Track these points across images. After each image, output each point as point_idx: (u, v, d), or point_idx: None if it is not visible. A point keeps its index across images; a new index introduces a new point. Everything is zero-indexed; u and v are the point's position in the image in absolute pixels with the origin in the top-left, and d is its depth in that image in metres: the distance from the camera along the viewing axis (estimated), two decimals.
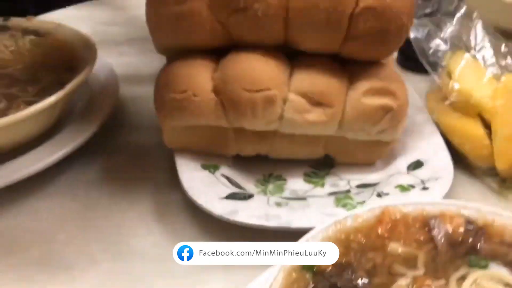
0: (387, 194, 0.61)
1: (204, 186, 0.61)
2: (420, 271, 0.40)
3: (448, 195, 0.62)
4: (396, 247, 0.42)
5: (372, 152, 0.69)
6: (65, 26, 0.80)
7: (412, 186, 0.62)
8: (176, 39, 0.62)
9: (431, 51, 0.74)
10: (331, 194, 0.65)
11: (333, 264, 0.40)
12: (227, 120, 0.63)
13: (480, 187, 0.69)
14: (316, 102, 0.62)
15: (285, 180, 0.68)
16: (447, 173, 0.63)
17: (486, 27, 0.74)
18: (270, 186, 0.66)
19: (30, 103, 0.64)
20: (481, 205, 0.47)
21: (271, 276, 0.40)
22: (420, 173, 0.65)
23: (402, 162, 0.68)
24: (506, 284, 0.39)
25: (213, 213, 0.57)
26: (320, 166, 0.70)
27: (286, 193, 0.65)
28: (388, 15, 0.58)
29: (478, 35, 0.74)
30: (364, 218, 0.44)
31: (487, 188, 0.68)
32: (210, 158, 0.66)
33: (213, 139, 0.66)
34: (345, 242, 0.43)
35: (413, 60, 0.89)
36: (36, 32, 0.80)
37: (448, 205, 0.47)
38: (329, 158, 0.70)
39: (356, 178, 0.68)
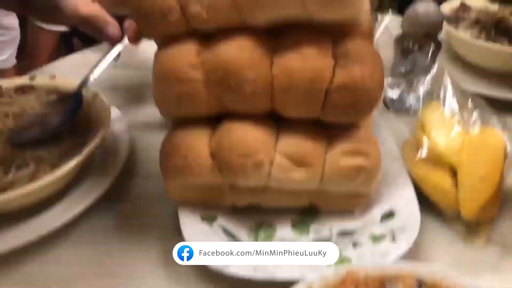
0: (360, 244, 0.71)
1: (203, 236, 0.71)
2: None
3: (417, 242, 0.71)
4: None
5: (351, 201, 0.78)
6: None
7: (383, 237, 0.71)
8: (179, 112, 0.72)
9: (404, 108, 0.83)
10: (314, 240, 0.75)
11: None
12: (222, 179, 0.73)
13: (448, 232, 0.78)
14: (299, 162, 0.72)
15: (275, 228, 0.78)
16: (415, 225, 0.71)
17: (454, 85, 0.83)
18: (261, 235, 0.76)
19: (54, 165, 0.74)
20: (433, 266, 0.56)
21: None
22: (391, 223, 0.74)
23: (377, 211, 0.77)
24: None
25: (209, 266, 0.67)
26: (306, 214, 0.80)
27: (275, 241, 0.75)
28: (360, 90, 0.67)
29: (448, 91, 0.83)
30: (331, 281, 0.54)
31: (455, 233, 0.77)
32: (209, 209, 0.77)
33: (210, 193, 0.76)
34: None
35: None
36: (58, 92, 0.91)
37: (403, 266, 0.56)
38: (314, 206, 0.80)
39: (337, 225, 0.77)
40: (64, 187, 0.79)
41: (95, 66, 0.84)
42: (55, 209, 0.76)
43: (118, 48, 0.83)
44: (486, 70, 1.10)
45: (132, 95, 1.14)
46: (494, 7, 1.11)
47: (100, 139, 0.78)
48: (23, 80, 0.94)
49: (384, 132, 0.88)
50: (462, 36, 1.06)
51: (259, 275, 0.65)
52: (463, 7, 1.19)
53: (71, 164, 0.73)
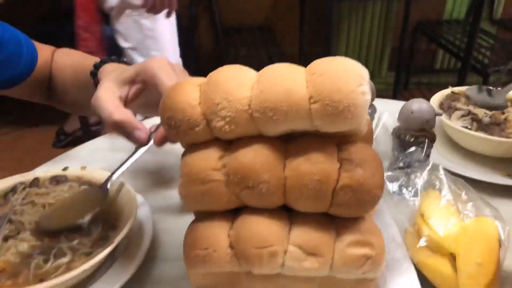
0: None
1: None
2: None
3: None
4: None
5: (359, 286, 0.84)
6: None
7: None
8: (202, 207, 0.80)
9: (404, 199, 0.92)
10: None
11: None
12: (240, 267, 0.80)
13: None
14: (310, 252, 0.79)
15: None
16: None
17: (449, 177, 0.92)
18: None
19: (87, 254, 0.82)
20: None
21: None
22: None
23: None
24: None
25: None
26: None
27: None
28: (362, 190, 0.76)
29: (443, 184, 0.91)
30: None
31: None
32: None
33: (228, 279, 0.83)
34: None
35: None
36: (89, 182, 1.00)
37: None
38: None
39: None
40: (92, 274, 0.86)
41: (121, 166, 0.94)
42: None
43: (144, 149, 0.93)
44: (478, 154, 1.20)
45: (154, 179, 1.23)
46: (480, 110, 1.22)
47: (128, 230, 0.86)
48: (57, 170, 1.04)
49: (388, 219, 0.95)
50: (455, 126, 1.17)
51: None
52: (453, 95, 1.31)
53: (104, 253, 0.80)
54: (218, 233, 0.80)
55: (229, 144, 0.78)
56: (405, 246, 0.92)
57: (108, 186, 0.96)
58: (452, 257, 0.86)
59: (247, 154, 0.75)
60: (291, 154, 0.76)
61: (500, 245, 0.85)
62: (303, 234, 0.80)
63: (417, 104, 0.97)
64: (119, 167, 0.94)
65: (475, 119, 1.15)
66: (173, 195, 1.17)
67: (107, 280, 0.86)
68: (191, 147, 0.78)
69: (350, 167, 0.75)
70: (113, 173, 0.94)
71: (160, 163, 1.31)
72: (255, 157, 0.75)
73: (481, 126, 1.15)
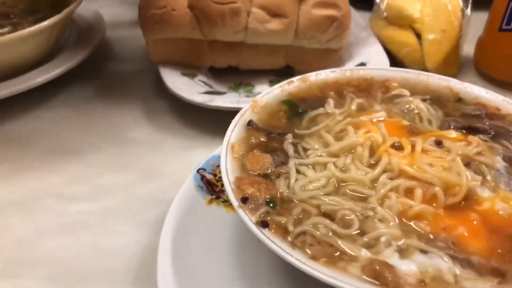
0: None
1: (185, 85, 0.73)
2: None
3: None
4: None
5: (324, 59, 0.82)
6: None
7: None
8: None
9: None
10: None
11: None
12: (201, 32, 0.75)
13: None
14: (274, 13, 0.75)
15: (253, 86, 0.81)
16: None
17: None
18: (241, 89, 0.79)
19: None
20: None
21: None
22: None
23: (349, 65, 0.82)
24: None
25: (195, 102, 0.69)
26: (282, 75, 0.83)
27: (254, 93, 0.78)
28: None
29: None
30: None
31: None
32: (188, 69, 0.79)
33: (190, 52, 0.78)
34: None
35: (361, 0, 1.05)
36: None
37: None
38: (290, 67, 0.83)
39: None
40: (42, 60, 0.80)
41: None
42: (31, 73, 0.76)
43: None
44: None
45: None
46: None
47: (77, 4, 0.78)
48: None
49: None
50: None
51: (243, 105, 0.68)
52: None
53: (50, 20, 0.73)
54: None
55: None
56: (369, 29, 0.90)
57: None
58: (413, 30, 0.85)
59: None
60: None
61: (463, 16, 0.84)
62: None
63: None
64: None
65: None
66: (126, 11, 1.10)
67: (58, 62, 0.79)
68: None
69: None
70: None
71: None
72: None
73: None
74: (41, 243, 0.54)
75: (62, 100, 0.79)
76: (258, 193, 0.41)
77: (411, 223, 0.39)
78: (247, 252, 0.48)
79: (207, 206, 0.53)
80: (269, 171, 0.44)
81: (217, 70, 0.82)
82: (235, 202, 0.40)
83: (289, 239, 0.37)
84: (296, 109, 0.53)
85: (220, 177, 0.58)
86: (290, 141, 0.48)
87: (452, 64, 0.86)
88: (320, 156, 0.46)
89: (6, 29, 0.74)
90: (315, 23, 0.76)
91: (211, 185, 0.55)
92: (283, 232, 0.38)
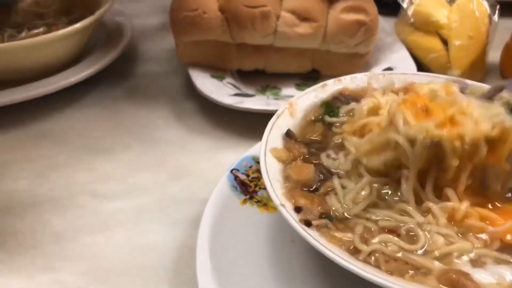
0: None
1: (215, 87, 0.74)
2: None
3: None
4: None
5: (351, 64, 0.82)
6: None
7: None
8: None
9: None
10: None
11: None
12: (231, 35, 0.76)
13: None
14: (303, 17, 0.76)
15: (280, 89, 0.82)
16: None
17: None
18: (268, 92, 0.80)
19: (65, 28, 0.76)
20: None
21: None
22: None
23: (376, 70, 0.82)
24: None
25: (225, 103, 0.70)
26: (309, 79, 0.84)
27: (282, 95, 0.79)
28: None
29: None
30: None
31: None
32: (217, 71, 0.80)
33: (219, 54, 0.79)
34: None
35: (386, 5, 1.05)
36: None
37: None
38: (316, 71, 0.84)
39: None
40: (75, 57, 0.82)
41: None
42: (63, 74, 0.77)
43: None
44: None
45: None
46: None
47: (109, 6, 0.80)
48: None
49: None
50: None
51: (272, 108, 0.68)
52: None
53: (83, 22, 0.75)
54: None
55: None
56: (395, 34, 0.90)
57: None
58: (442, 40, 0.85)
59: None
60: None
61: (490, 22, 0.84)
62: (295, 0, 0.77)
63: None
64: None
65: None
66: (154, 13, 1.11)
67: (88, 63, 0.81)
68: None
69: None
70: None
71: None
72: None
73: None
74: (78, 239, 0.55)
75: (93, 100, 0.80)
76: (311, 205, 0.41)
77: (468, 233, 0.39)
78: (282, 251, 0.49)
79: (241, 206, 0.54)
80: (315, 185, 0.45)
81: (244, 72, 0.83)
82: (276, 200, 0.41)
83: (360, 258, 0.37)
84: (332, 110, 0.54)
85: (253, 178, 0.59)
86: (326, 154, 0.48)
87: (478, 70, 0.86)
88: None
89: (41, 29, 0.76)
90: (344, 27, 0.77)
91: (244, 186, 0.56)
92: (349, 251, 0.38)
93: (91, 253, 0.53)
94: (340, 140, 0.50)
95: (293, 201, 0.42)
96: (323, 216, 0.40)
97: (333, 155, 0.48)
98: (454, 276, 0.34)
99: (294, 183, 0.44)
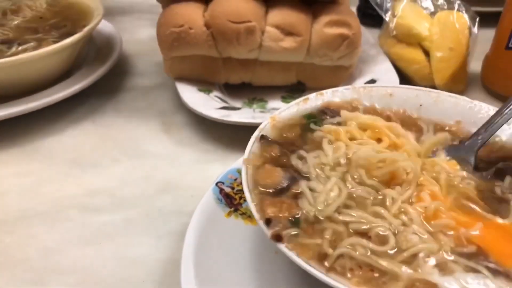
0: None
1: (202, 101, 0.76)
2: None
3: None
4: None
5: (335, 76, 0.84)
6: None
7: None
8: None
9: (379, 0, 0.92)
10: None
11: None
12: (217, 50, 0.78)
13: None
14: (287, 32, 0.78)
15: (266, 101, 0.84)
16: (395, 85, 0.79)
17: None
18: (255, 105, 0.82)
19: (55, 42, 0.77)
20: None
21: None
22: None
23: (360, 82, 0.84)
24: None
25: (212, 117, 0.72)
26: (294, 91, 0.86)
27: (268, 108, 0.81)
28: None
29: None
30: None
31: None
32: (204, 85, 0.82)
33: (206, 68, 0.81)
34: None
35: (370, 16, 1.08)
36: None
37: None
38: (301, 83, 0.86)
39: None
40: (65, 71, 0.83)
41: None
42: (53, 88, 0.79)
43: None
44: None
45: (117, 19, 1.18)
46: None
47: (98, 21, 0.82)
48: None
49: None
50: None
51: (258, 120, 0.70)
52: None
53: (74, 37, 0.76)
54: (193, 11, 0.77)
55: None
56: (378, 46, 0.93)
57: None
58: (421, 48, 0.87)
59: None
60: None
61: (470, 34, 0.87)
62: (280, 15, 0.78)
63: None
64: None
65: None
66: (139, 28, 1.13)
67: (80, 76, 0.83)
68: None
69: None
70: None
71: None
72: None
73: None
74: (66, 253, 0.56)
75: (82, 114, 0.82)
76: (279, 213, 0.42)
77: (440, 233, 0.40)
78: (265, 262, 0.51)
79: (226, 218, 0.55)
80: (281, 186, 0.45)
81: (230, 85, 0.85)
82: (256, 215, 0.42)
83: (327, 264, 0.38)
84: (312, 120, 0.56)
85: (238, 190, 0.60)
86: (296, 156, 0.50)
87: (460, 81, 0.88)
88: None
89: (31, 44, 0.77)
90: (327, 41, 0.79)
91: (229, 198, 0.57)
92: (318, 257, 0.39)
93: (80, 266, 0.54)
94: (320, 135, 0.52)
95: (262, 212, 0.42)
96: (292, 221, 0.41)
97: (305, 154, 0.50)
98: (421, 286, 0.35)
99: (262, 188, 0.45)
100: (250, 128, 0.54)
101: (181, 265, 0.47)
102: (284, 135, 0.53)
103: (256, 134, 0.52)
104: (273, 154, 0.49)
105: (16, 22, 0.83)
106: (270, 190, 0.45)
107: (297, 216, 0.42)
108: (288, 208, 0.43)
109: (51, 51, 0.74)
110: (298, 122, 0.55)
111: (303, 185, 0.45)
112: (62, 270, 0.54)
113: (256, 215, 0.42)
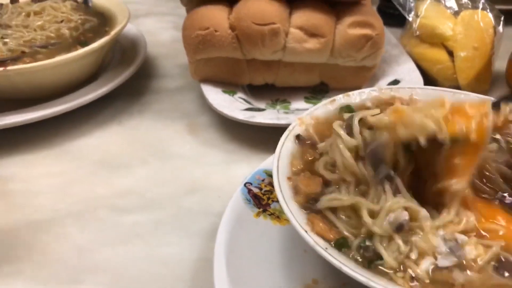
0: None
1: (227, 103, 0.77)
2: None
3: None
4: None
5: (358, 77, 0.84)
6: None
7: None
8: None
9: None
10: None
11: None
12: (242, 51, 0.79)
13: None
14: (311, 33, 0.78)
15: (289, 102, 0.84)
16: (419, 85, 0.79)
17: None
18: (278, 106, 0.83)
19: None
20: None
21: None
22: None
23: (383, 83, 0.84)
24: None
25: (237, 118, 0.73)
26: (317, 92, 0.86)
27: (291, 109, 0.82)
28: None
29: None
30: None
31: None
32: (228, 87, 0.83)
33: (230, 70, 0.82)
34: None
35: (390, 16, 1.08)
36: None
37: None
38: (324, 84, 0.86)
39: None
40: (92, 74, 0.86)
41: None
42: (81, 91, 0.81)
43: None
44: None
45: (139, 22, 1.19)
46: None
47: (123, 26, 0.83)
48: None
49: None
50: None
51: (283, 122, 0.71)
52: None
53: (102, 41, 0.78)
54: (218, 13, 0.78)
55: None
56: (401, 46, 0.92)
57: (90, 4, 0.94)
58: (445, 48, 0.87)
59: None
60: None
61: (495, 33, 0.86)
62: (304, 17, 0.79)
63: None
64: None
65: None
66: (163, 29, 1.15)
67: (104, 80, 0.84)
68: None
69: None
70: None
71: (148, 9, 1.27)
72: None
73: None
74: (99, 252, 0.57)
75: (108, 116, 0.83)
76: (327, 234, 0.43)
77: None
78: (294, 261, 0.51)
79: (255, 218, 0.56)
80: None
81: (254, 87, 0.86)
82: (300, 229, 0.42)
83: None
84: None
85: (266, 191, 0.61)
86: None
87: (484, 81, 0.87)
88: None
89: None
90: (351, 42, 0.79)
91: (257, 199, 0.58)
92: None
93: (112, 265, 0.56)
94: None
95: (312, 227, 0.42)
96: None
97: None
98: None
99: (302, 195, 0.46)
100: (274, 129, 0.55)
101: (213, 264, 0.48)
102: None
103: (286, 134, 0.53)
104: (312, 155, 0.50)
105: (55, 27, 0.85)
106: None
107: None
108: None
109: (81, 54, 0.76)
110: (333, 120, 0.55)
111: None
112: (95, 269, 0.55)
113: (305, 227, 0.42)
